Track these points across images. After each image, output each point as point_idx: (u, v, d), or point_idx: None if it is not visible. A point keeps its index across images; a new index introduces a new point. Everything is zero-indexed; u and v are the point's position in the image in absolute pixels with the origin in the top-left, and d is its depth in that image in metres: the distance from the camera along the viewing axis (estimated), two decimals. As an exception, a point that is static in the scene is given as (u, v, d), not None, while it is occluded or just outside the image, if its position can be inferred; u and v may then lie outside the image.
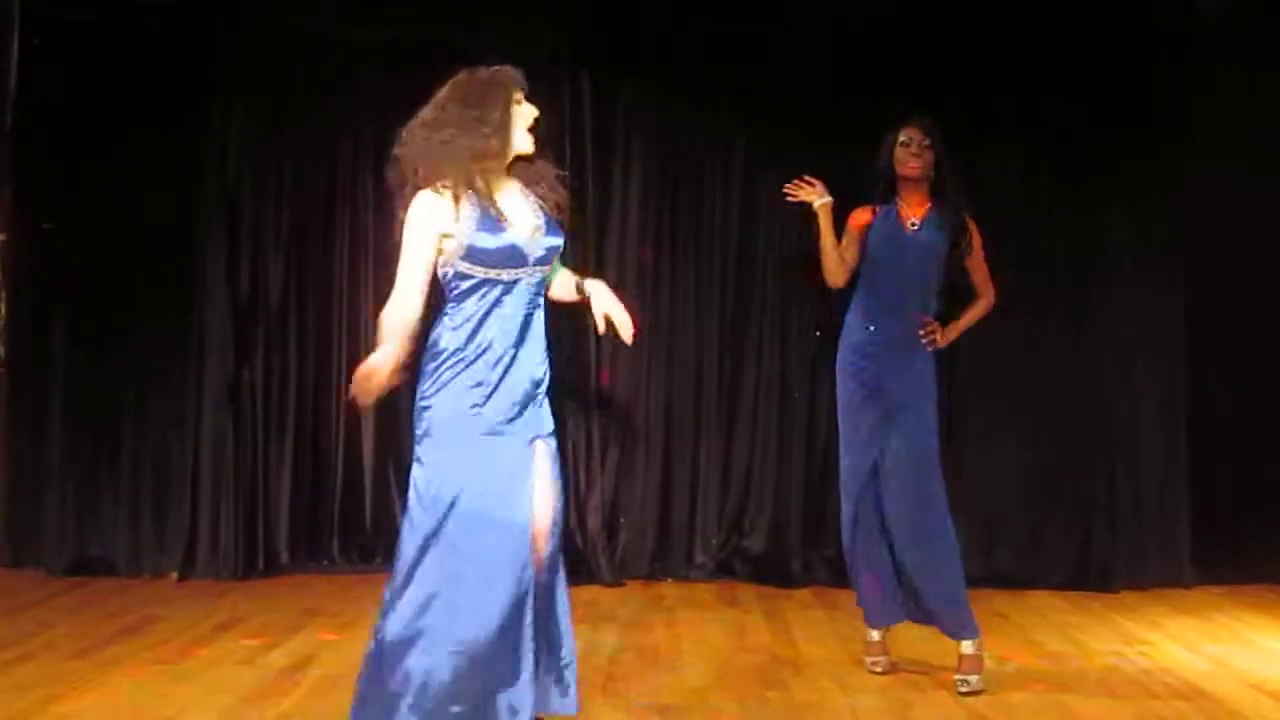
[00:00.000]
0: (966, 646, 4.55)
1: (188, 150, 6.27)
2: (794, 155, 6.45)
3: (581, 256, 6.43)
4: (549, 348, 3.62)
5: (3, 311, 6.38)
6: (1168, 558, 6.41)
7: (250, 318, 6.33)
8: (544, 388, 3.60)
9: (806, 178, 4.82)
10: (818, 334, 6.46)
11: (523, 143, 3.49)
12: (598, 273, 6.41)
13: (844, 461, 4.71)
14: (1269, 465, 6.64)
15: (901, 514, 4.56)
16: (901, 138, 4.67)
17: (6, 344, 6.36)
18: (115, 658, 4.70)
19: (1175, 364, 6.48)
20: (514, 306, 3.46)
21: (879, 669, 4.68)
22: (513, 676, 3.36)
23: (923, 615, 4.69)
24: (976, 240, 4.75)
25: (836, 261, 4.77)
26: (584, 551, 6.34)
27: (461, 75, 3.59)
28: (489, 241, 3.38)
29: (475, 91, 3.50)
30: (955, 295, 4.82)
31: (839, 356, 4.74)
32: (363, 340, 6.51)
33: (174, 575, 6.16)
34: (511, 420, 3.49)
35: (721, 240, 6.53)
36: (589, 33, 6.41)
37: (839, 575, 6.26)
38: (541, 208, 3.52)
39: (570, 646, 3.57)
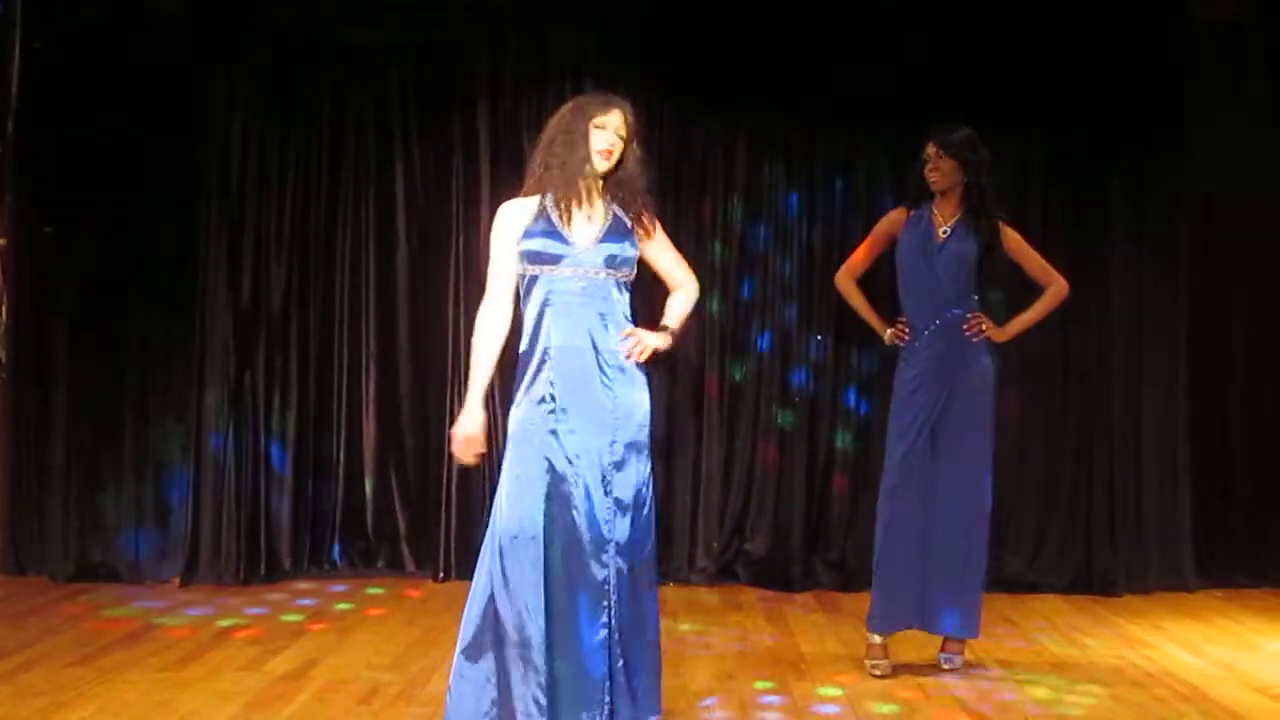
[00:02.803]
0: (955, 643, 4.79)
1: (190, 155, 6.26)
2: (796, 154, 6.50)
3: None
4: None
5: (4, 317, 6.38)
6: (1170, 561, 6.41)
7: (252, 323, 6.33)
8: (610, 389, 3.68)
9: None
10: (819, 337, 6.46)
11: (597, 161, 3.73)
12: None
13: (890, 458, 4.78)
14: (1270, 468, 6.64)
15: (951, 504, 4.68)
16: (924, 154, 4.77)
17: (8, 349, 6.35)
18: (118, 664, 4.70)
19: (1176, 367, 6.48)
20: (568, 307, 3.66)
21: (879, 672, 4.68)
22: None
23: (932, 620, 4.75)
24: (1013, 239, 4.83)
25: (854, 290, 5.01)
26: (586, 556, 6.34)
27: (570, 101, 3.93)
28: (540, 244, 3.68)
29: (565, 115, 3.81)
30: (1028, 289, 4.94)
31: (900, 358, 4.86)
32: (364, 345, 6.53)
33: (176, 581, 6.16)
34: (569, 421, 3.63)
35: (724, 243, 6.53)
36: (591, 34, 6.40)
37: (841, 579, 6.32)
38: (621, 219, 3.75)
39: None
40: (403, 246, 6.52)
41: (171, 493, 6.35)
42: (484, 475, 6.43)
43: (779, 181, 6.52)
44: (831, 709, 4.32)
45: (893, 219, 4.92)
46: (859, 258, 5.01)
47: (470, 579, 5.05)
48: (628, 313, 3.76)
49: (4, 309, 6.37)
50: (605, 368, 3.68)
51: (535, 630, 3.52)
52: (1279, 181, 6.47)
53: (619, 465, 3.64)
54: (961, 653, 4.82)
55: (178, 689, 4.40)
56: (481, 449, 3.74)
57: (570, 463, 3.60)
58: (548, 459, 3.60)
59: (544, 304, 3.67)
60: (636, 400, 3.71)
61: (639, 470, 3.67)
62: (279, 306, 6.39)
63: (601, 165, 3.73)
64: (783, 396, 6.51)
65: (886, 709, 4.34)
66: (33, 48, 6.24)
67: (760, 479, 6.51)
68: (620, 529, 3.61)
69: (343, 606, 5.78)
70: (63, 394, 6.30)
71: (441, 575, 6.36)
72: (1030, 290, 4.93)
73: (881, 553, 4.75)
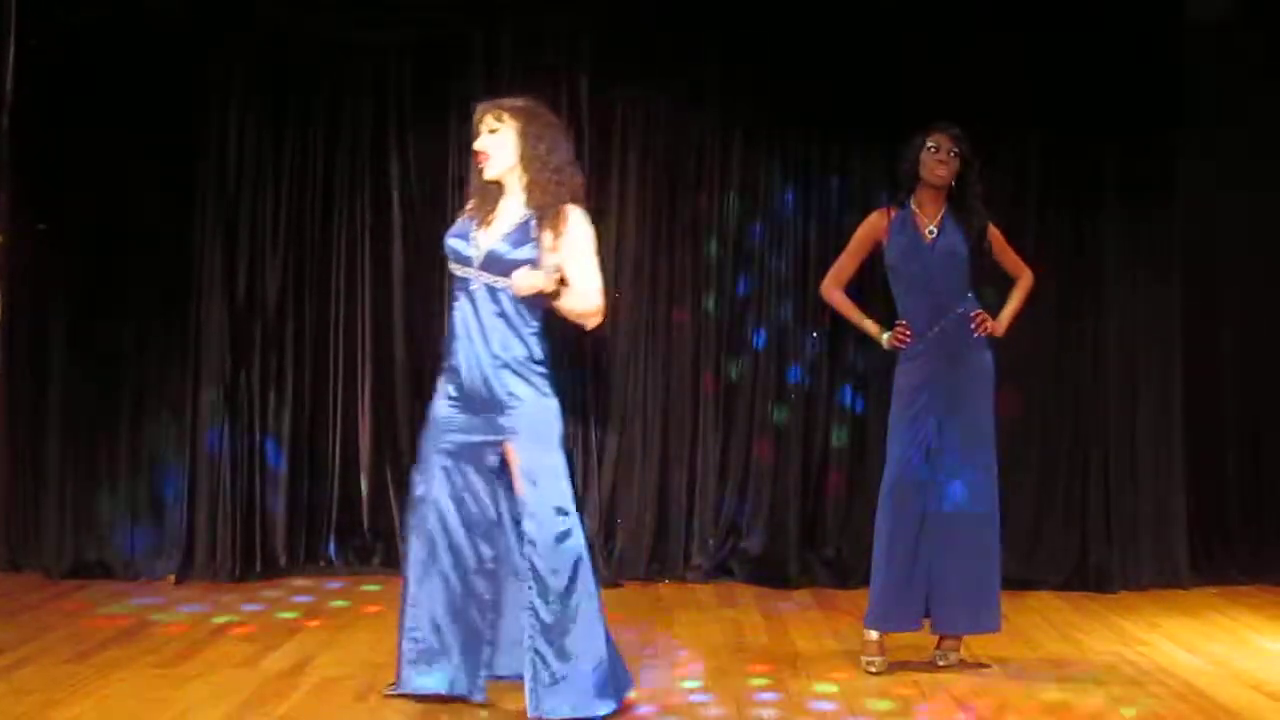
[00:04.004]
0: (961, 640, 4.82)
1: (185, 152, 6.25)
2: (792, 153, 6.51)
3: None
4: (535, 358, 3.98)
5: (2, 317, 6.36)
6: (1165, 559, 6.41)
7: (247, 320, 6.32)
8: (504, 393, 3.95)
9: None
10: (814, 335, 6.47)
11: (484, 169, 4.00)
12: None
13: (890, 456, 4.76)
14: (1266, 466, 6.65)
15: (958, 502, 4.69)
16: (930, 143, 4.71)
17: (3, 346, 6.33)
18: (113, 661, 4.69)
19: (1172, 365, 6.48)
20: (469, 308, 3.96)
21: (875, 669, 4.68)
22: None
23: (939, 619, 4.76)
24: (997, 237, 4.89)
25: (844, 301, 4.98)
26: (582, 553, 6.35)
27: None
28: (451, 243, 4.02)
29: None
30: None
31: (898, 361, 4.84)
32: (360, 341, 6.53)
33: (171, 578, 6.15)
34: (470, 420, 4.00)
35: (719, 240, 6.53)
36: (587, 33, 6.40)
37: (837, 576, 6.32)
38: (528, 224, 3.93)
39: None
40: (399, 244, 6.51)
41: (167, 490, 6.34)
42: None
43: (775, 179, 6.52)
44: (827, 706, 4.33)
45: (874, 224, 4.86)
46: (844, 266, 4.94)
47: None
48: (528, 316, 3.95)
49: (0, 308, 6.36)
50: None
51: None
52: (1275, 182, 6.48)
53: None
54: (957, 649, 4.82)
55: (173, 686, 4.40)
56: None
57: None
58: None
59: (454, 301, 4.04)
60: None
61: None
62: (275, 304, 6.38)
63: (486, 173, 3.97)
64: (778, 394, 6.51)
65: (882, 706, 4.34)
66: (29, 45, 6.23)
67: (756, 476, 6.51)
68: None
69: (338, 603, 5.77)
70: (58, 391, 6.30)
71: (437, 572, 6.35)
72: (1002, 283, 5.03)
73: (881, 550, 4.74)
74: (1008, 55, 6.33)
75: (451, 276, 4.12)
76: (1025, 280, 4.98)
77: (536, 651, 3.94)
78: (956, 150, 4.69)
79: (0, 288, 6.34)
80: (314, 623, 5.38)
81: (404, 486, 6.51)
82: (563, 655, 3.94)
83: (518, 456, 3.97)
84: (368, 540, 6.51)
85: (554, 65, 6.40)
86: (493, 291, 3.95)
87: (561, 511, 3.99)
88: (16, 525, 6.34)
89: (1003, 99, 6.28)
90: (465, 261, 3.97)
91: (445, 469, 4.07)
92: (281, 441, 6.38)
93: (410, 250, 6.51)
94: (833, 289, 4.96)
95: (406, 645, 4.11)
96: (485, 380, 3.95)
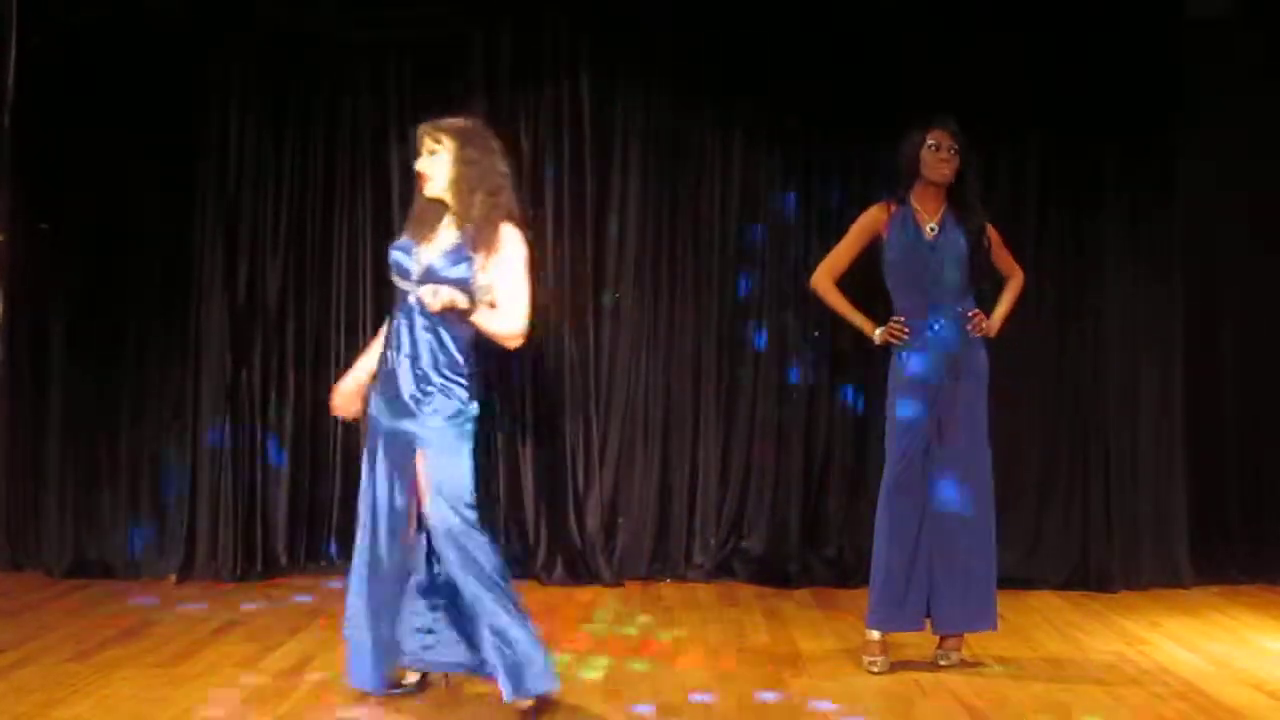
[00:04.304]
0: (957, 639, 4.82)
1: (186, 151, 6.26)
2: (792, 153, 6.50)
3: (580, 255, 6.46)
4: (460, 374, 4.06)
5: (3, 315, 6.36)
6: (1166, 558, 6.41)
7: (248, 319, 6.33)
8: (417, 402, 4.04)
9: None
10: (815, 334, 6.46)
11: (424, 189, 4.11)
12: (595, 272, 6.47)
13: (890, 456, 4.74)
14: (1267, 466, 6.65)
15: (954, 501, 4.68)
16: (930, 141, 4.68)
17: (4, 346, 6.34)
18: (114, 660, 4.69)
19: (1173, 365, 6.48)
20: (404, 320, 4.06)
21: (877, 669, 4.68)
22: None
23: (937, 619, 4.76)
24: (995, 237, 4.88)
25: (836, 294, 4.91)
26: (583, 551, 6.35)
27: None
28: (394, 256, 4.12)
29: None
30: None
31: (892, 359, 4.81)
32: (360, 341, 6.50)
33: (173, 577, 6.15)
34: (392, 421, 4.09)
35: (720, 239, 6.53)
36: (587, 33, 6.40)
37: (838, 576, 6.32)
38: (463, 244, 4.02)
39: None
40: (399, 243, 6.51)
41: (168, 489, 6.34)
42: (484, 472, 6.42)
43: (775, 179, 6.52)
44: (828, 705, 4.32)
45: (875, 217, 4.80)
46: (840, 258, 4.86)
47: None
48: (458, 330, 4.03)
49: (1, 307, 6.36)
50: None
51: None
52: (1275, 182, 6.47)
53: None
54: (959, 649, 4.82)
55: (174, 685, 4.40)
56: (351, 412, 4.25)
57: None
58: None
59: (391, 312, 4.15)
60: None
61: None
62: (275, 303, 6.39)
63: (426, 191, 4.08)
64: (779, 393, 6.51)
65: (884, 705, 4.34)
66: (29, 44, 6.23)
67: (757, 476, 6.51)
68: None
69: (339, 603, 5.76)
70: (59, 390, 6.31)
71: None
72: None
73: (881, 550, 4.74)
74: (1008, 55, 6.33)
75: (394, 288, 4.18)
76: (1016, 280, 4.98)
77: (491, 639, 4.03)
78: (956, 147, 4.67)
79: (1, 287, 6.34)
80: (315, 622, 5.38)
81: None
82: (505, 640, 4.02)
83: (427, 467, 4.05)
84: (368, 540, 6.50)
85: (554, 64, 6.41)
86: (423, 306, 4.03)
87: (464, 516, 4.04)
88: (18, 524, 6.35)
89: (1003, 98, 6.29)
90: (405, 275, 4.07)
91: (374, 466, 4.15)
92: (283, 440, 6.39)
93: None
94: (825, 279, 4.87)
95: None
96: (408, 389, 4.04)
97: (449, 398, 4.03)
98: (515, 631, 4.02)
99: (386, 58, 6.41)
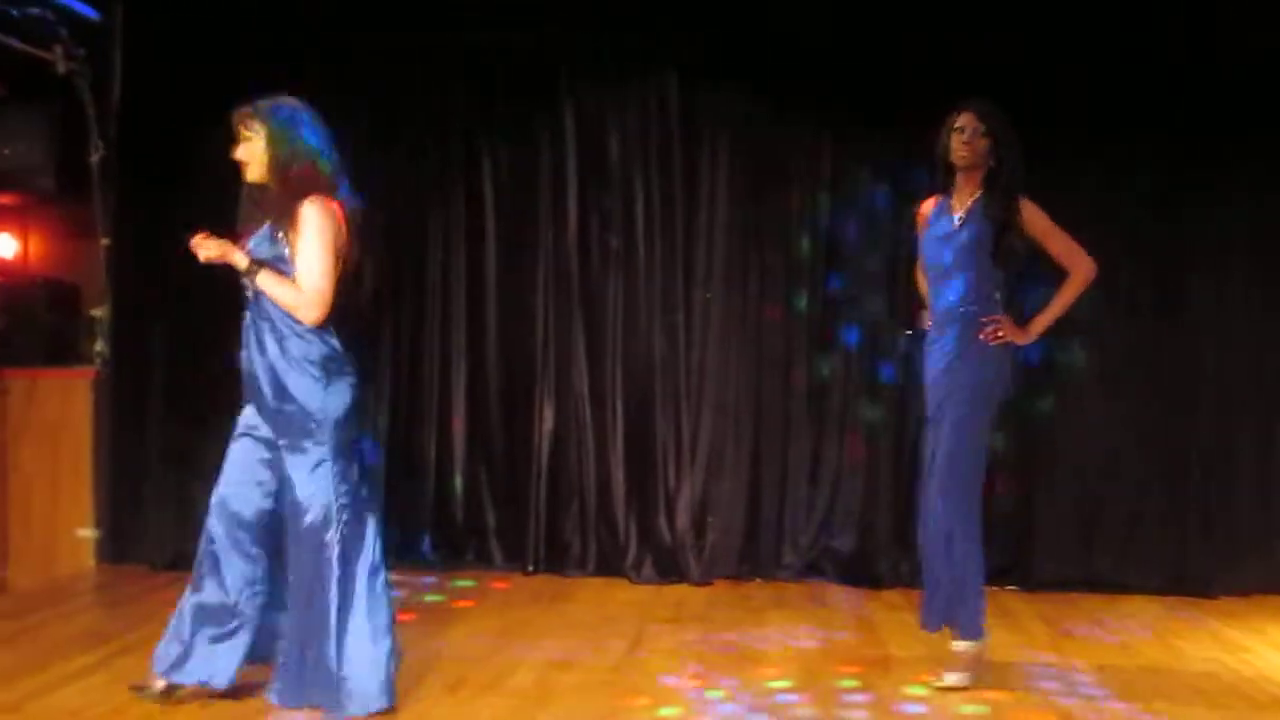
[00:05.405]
0: (958, 645, 4.51)
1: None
2: (879, 151, 6.43)
3: (669, 254, 6.46)
4: (310, 358, 4.00)
5: (109, 313, 6.55)
6: (1268, 562, 6.24)
7: (343, 320, 6.41)
8: (275, 398, 3.99)
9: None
10: (908, 332, 6.39)
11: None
12: (685, 271, 6.46)
13: (983, 457, 4.59)
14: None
15: (936, 505, 4.47)
16: (957, 123, 4.45)
17: (110, 345, 6.52)
18: (213, 651, 4.78)
19: (1275, 365, 6.29)
20: (247, 314, 4.06)
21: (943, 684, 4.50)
22: None
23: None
24: (1032, 217, 4.44)
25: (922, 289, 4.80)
26: (672, 550, 6.36)
27: None
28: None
29: None
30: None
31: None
32: (454, 341, 6.60)
33: (271, 570, 6.27)
34: (249, 421, 4.07)
35: (810, 237, 6.48)
36: (674, 35, 6.39)
37: (928, 577, 6.24)
38: (271, 227, 3.99)
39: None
40: (491, 244, 6.58)
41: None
42: (575, 471, 6.49)
43: (866, 176, 6.45)
44: (917, 708, 4.29)
45: (920, 212, 4.66)
46: (920, 257, 4.74)
47: (559, 572, 5.09)
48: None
49: (107, 305, 6.54)
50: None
51: None
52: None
53: None
54: (959, 670, 4.49)
55: (267, 674, 4.47)
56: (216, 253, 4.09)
57: None
58: None
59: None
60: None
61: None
62: (370, 305, 6.46)
63: (247, 176, 4.03)
64: (870, 392, 6.45)
65: (972, 709, 4.29)
66: (134, 53, 6.40)
67: (847, 475, 6.46)
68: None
69: (432, 598, 5.85)
70: (160, 386, 6.46)
71: (530, 568, 6.41)
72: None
73: (981, 554, 4.57)
74: (1124, 49, 6.14)
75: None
76: (1078, 273, 4.46)
77: (289, 640, 4.04)
78: (984, 129, 4.40)
79: (109, 289, 6.51)
80: (408, 617, 5.44)
81: (497, 485, 6.62)
82: (305, 648, 3.99)
83: (284, 460, 4.02)
84: (461, 536, 6.59)
85: (644, 66, 6.41)
86: (257, 294, 4.02)
87: (314, 516, 3.99)
88: (121, 518, 6.52)
89: (1111, 92, 6.12)
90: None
91: (237, 459, 4.15)
92: (378, 439, 6.49)
93: (503, 252, 6.58)
94: (918, 278, 4.84)
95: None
96: (256, 381, 4.01)
97: (303, 386, 3.97)
98: (332, 646, 3.96)
99: (476, 59, 6.46)
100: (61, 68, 5.77)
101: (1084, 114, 6.17)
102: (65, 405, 6.46)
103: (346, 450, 4.04)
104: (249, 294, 4.04)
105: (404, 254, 6.53)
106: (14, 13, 5.48)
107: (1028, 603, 5.93)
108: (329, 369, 4.02)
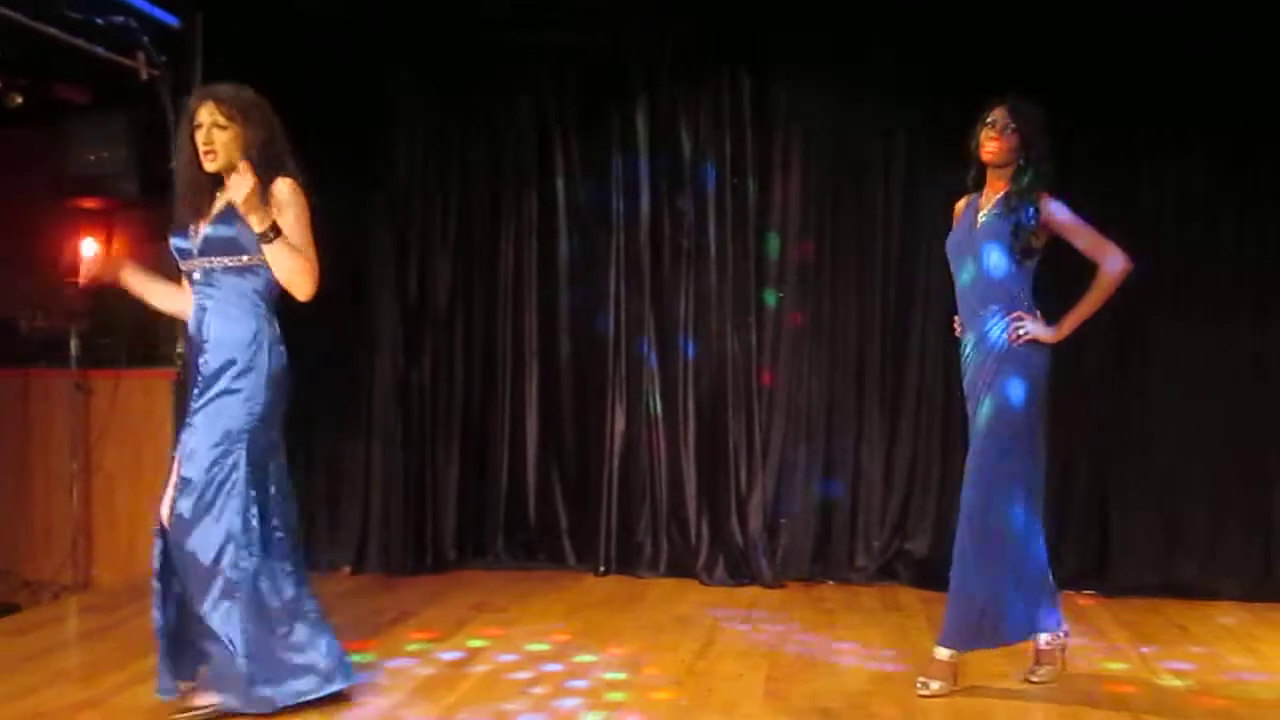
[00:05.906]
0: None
1: (357, 156, 6.43)
2: (957, 149, 6.33)
3: (741, 254, 6.44)
4: (247, 341, 3.98)
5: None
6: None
7: (418, 320, 6.50)
8: (225, 385, 3.95)
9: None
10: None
11: (205, 164, 3.99)
12: (757, 271, 6.44)
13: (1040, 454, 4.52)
14: None
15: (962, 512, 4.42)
16: (989, 118, 4.34)
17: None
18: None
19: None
20: (195, 300, 4.03)
21: (1038, 678, 4.49)
22: None
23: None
24: (1052, 209, 4.27)
25: None
26: (745, 551, 6.35)
27: None
28: (174, 243, 4.05)
29: (185, 120, 4.07)
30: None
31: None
32: (527, 341, 6.64)
33: (347, 569, 6.36)
34: (194, 410, 3.99)
35: (884, 237, 6.43)
36: (747, 31, 6.37)
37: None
38: (233, 209, 3.93)
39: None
40: (564, 243, 6.62)
41: (342, 484, 6.55)
42: (647, 471, 6.49)
43: (938, 176, 6.34)
44: (992, 713, 4.23)
45: (956, 211, 4.57)
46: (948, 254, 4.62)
47: (631, 573, 5.02)
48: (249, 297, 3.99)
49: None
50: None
51: None
52: None
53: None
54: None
55: (347, 674, 4.54)
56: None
57: None
58: None
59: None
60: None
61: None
62: (444, 304, 6.54)
63: (209, 166, 3.96)
64: (945, 394, 6.38)
65: (1050, 714, 4.23)
66: (214, 59, 6.48)
67: (921, 477, 6.41)
68: (181, 505, 3.90)
69: (505, 598, 5.88)
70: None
71: (602, 569, 6.43)
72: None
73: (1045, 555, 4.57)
74: (1201, 54, 5.98)
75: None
76: (1107, 269, 4.26)
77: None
78: (1013, 125, 4.27)
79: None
80: (482, 615, 5.49)
81: (569, 483, 6.65)
82: (215, 641, 3.93)
83: (189, 440, 3.96)
84: (533, 535, 6.63)
85: (715, 63, 6.41)
86: (208, 274, 4.00)
87: (206, 499, 3.92)
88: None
89: (1190, 93, 5.98)
90: (186, 255, 4.02)
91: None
92: (451, 438, 6.54)
93: (575, 250, 6.61)
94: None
95: None
96: (206, 364, 3.98)
97: (243, 371, 3.96)
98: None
99: (549, 59, 6.49)
100: (143, 75, 5.85)
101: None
102: (147, 406, 6.57)
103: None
104: (196, 279, 4.03)
105: (478, 251, 6.58)
106: (98, 20, 5.57)
107: (1106, 608, 5.84)
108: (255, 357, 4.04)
